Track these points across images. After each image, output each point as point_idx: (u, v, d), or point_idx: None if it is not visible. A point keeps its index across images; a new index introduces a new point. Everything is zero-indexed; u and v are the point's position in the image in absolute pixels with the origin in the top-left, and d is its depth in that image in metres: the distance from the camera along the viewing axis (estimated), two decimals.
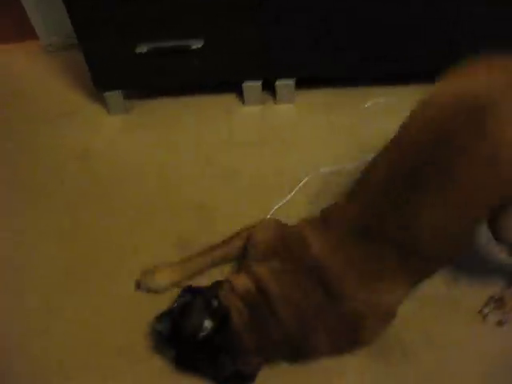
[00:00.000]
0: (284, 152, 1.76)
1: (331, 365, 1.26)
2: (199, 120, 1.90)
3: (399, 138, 1.15)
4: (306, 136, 1.81)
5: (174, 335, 1.17)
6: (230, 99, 1.95)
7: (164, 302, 1.32)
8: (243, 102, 1.93)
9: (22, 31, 2.35)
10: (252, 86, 1.88)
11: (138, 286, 1.42)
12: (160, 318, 1.20)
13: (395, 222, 1.09)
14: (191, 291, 1.23)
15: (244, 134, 1.84)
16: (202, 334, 1.13)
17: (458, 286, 1.37)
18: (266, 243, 1.28)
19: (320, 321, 1.13)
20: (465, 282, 1.37)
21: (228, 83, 1.94)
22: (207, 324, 1.13)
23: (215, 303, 1.15)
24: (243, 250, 1.36)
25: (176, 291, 1.33)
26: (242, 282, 1.20)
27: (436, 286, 1.37)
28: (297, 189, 1.62)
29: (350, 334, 1.16)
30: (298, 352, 1.18)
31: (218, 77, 1.87)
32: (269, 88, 1.93)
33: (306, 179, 1.65)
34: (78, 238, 1.57)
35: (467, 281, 1.38)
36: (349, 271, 1.12)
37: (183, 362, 1.21)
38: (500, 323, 1.29)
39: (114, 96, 1.92)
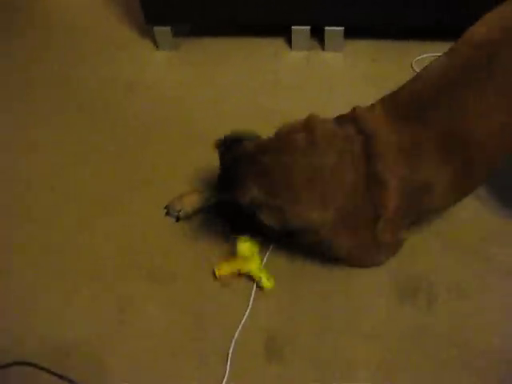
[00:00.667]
0: (328, 99, 1.76)
1: (357, 302, 1.30)
2: (246, 61, 1.90)
3: (464, 39, 1.20)
4: (352, 85, 1.80)
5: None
6: (278, 43, 1.95)
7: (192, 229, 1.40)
8: (291, 47, 1.92)
9: None
10: (300, 31, 1.87)
11: (168, 212, 1.48)
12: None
13: (448, 108, 1.13)
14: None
15: (290, 77, 1.84)
16: None
17: (494, 242, 1.38)
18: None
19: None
20: (501, 239, 1.38)
21: (277, 27, 1.93)
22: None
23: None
24: None
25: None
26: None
27: (472, 240, 1.39)
28: None
29: (372, 200, 1.18)
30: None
31: (267, 18, 1.85)
32: (318, 36, 1.91)
33: None
34: (119, 162, 1.63)
35: (503, 238, 1.39)
36: (392, 142, 1.15)
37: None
38: None
39: (164, 32, 1.93)
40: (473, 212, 1.43)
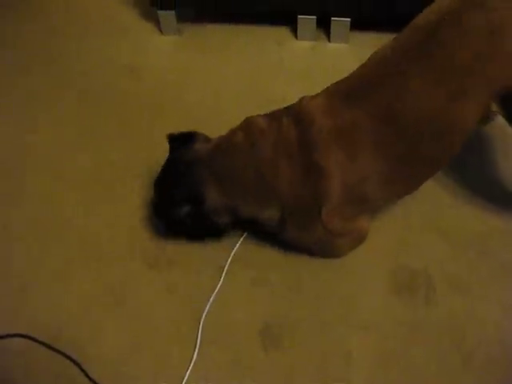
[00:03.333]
0: None
1: (354, 294, 1.29)
2: (250, 49, 1.88)
3: (409, 24, 1.19)
4: None
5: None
6: (283, 32, 1.92)
7: None
8: (296, 37, 1.90)
9: None
10: (307, 20, 1.84)
11: None
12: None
13: (386, 91, 1.13)
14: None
15: (294, 67, 1.82)
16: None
17: (494, 236, 1.37)
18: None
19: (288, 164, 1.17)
20: (500, 234, 1.37)
21: (283, 16, 1.91)
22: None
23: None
24: None
25: None
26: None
27: (472, 235, 1.38)
28: None
29: (312, 189, 1.17)
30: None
31: (273, 5, 1.83)
32: (324, 26, 1.89)
33: None
34: (119, 146, 1.62)
35: (503, 232, 1.38)
36: (329, 129, 1.15)
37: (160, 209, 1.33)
38: None
39: (168, 16, 1.91)
40: (472, 206, 1.42)
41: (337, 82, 1.24)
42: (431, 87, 1.10)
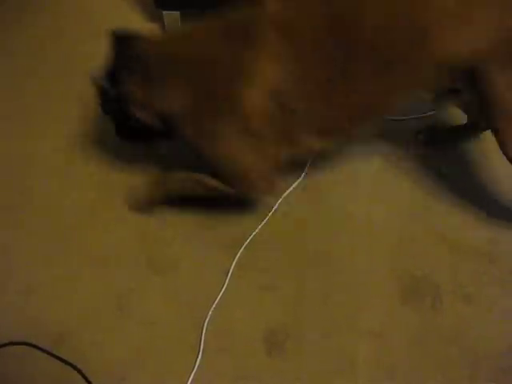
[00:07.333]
0: None
1: (360, 301, 1.28)
2: None
3: None
4: None
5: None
6: None
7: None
8: None
9: None
10: None
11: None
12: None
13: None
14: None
15: None
16: None
17: (502, 245, 1.36)
18: None
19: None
20: (508, 242, 1.36)
21: None
22: None
23: None
24: None
25: None
26: None
27: (479, 243, 1.37)
28: None
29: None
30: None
31: None
32: None
33: None
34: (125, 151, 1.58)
35: (509, 241, 1.36)
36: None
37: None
38: None
39: (172, 17, 1.90)
40: (479, 215, 1.41)
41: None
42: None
